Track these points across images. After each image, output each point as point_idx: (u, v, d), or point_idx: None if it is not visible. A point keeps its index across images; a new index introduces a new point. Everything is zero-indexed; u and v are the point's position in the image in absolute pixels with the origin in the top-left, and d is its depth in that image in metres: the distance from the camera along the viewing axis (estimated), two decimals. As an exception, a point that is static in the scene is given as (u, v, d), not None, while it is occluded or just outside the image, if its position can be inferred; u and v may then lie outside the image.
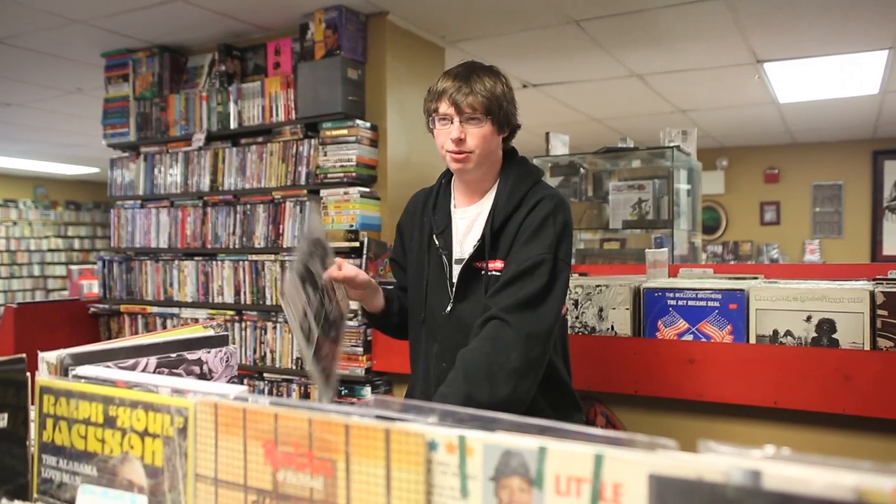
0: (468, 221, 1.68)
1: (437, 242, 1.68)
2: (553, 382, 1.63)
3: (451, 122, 1.58)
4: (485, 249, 1.60)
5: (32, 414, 1.04)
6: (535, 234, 1.56)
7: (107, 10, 3.39)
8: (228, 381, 1.27)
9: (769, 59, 4.33)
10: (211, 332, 1.30)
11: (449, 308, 1.64)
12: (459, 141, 1.57)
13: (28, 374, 1.05)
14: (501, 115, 1.59)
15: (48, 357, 1.05)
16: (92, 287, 5.59)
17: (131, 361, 1.13)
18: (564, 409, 1.68)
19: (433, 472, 0.68)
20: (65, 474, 0.98)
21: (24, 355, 1.02)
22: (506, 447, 0.65)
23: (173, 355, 1.19)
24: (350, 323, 3.21)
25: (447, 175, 1.76)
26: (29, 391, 1.05)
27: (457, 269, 1.65)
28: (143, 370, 1.13)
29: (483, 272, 1.61)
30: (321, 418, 0.75)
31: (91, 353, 1.09)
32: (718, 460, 0.54)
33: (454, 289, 1.64)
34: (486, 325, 1.51)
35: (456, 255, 1.67)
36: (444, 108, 1.57)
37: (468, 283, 1.63)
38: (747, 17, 3.56)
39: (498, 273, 1.59)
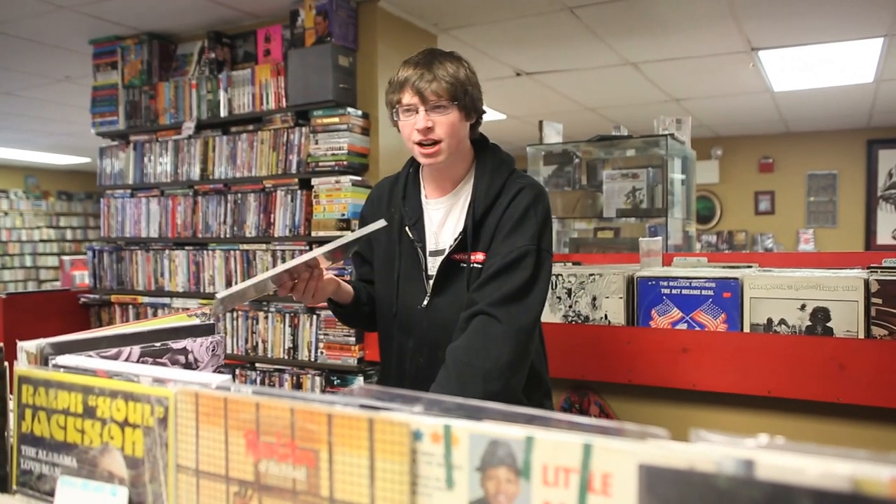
0: (442, 213, 1.63)
1: (410, 235, 1.63)
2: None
3: (416, 112, 1.52)
4: (467, 242, 1.56)
5: (12, 404, 1.01)
6: (517, 226, 1.53)
7: (94, -4, 3.34)
8: (215, 371, 1.25)
9: (764, 47, 4.30)
10: (196, 321, 1.28)
11: (425, 302, 1.60)
12: (427, 130, 1.51)
13: (8, 363, 1.03)
14: (467, 100, 1.54)
15: (27, 346, 1.03)
16: (84, 278, 5.54)
17: (114, 351, 1.10)
18: (536, 397, 1.67)
19: (418, 462, 0.67)
20: (44, 466, 0.96)
21: (1, 344, 1.00)
22: (492, 437, 0.63)
23: (157, 344, 1.17)
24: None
25: (414, 163, 1.70)
26: (8, 381, 1.03)
27: (432, 262, 1.61)
28: (127, 359, 1.11)
29: (464, 265, 1.57)
30: (303, 407, 0.73)
31: (72, 342, 1.06)
32: (710, 450, 0.53)
33: (432, 282, 1.60)
34: (473, 319, 1.48)
35: (430, 247, 1.63)
36: (408, 97, 1.52)
37: (447, 276, 1.59)
38: (742, 5, 3.53)
39: (480, 266, 1.55)
